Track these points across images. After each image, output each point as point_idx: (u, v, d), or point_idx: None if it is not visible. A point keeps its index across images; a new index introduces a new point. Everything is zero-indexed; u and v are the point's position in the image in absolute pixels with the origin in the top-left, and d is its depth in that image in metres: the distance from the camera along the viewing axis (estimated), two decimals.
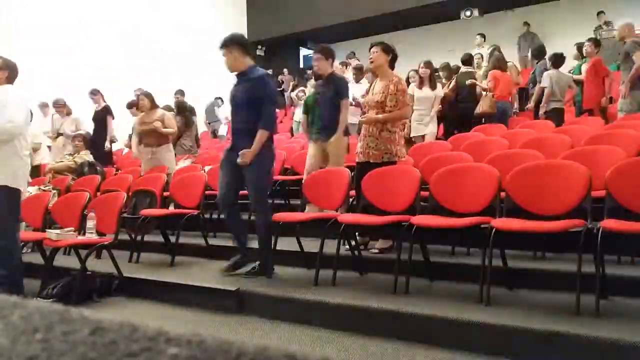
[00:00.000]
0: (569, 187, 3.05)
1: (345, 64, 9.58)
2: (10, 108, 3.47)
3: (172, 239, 4.65)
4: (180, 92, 9.20)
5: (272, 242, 3.83)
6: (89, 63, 10.39)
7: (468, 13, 11.94)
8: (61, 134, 7.97)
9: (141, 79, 11.39)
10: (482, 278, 2.90)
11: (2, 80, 3.60)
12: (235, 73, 3.75)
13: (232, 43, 3.68)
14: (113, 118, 7.92)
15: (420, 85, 6.61)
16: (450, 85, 7.54)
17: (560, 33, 12.06)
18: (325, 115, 4.55)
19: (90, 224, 4.00)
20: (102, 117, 7.84)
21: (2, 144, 3.48)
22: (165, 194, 5.29)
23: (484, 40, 10.35)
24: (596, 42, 7.02)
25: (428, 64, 6.65)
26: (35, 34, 9.63)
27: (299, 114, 8.45)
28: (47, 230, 3.98)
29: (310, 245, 3.95)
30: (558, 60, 7.03)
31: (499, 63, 7.47)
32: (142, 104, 6.13)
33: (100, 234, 4.29)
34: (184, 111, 7.15)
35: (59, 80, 9.30)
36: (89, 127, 8.00)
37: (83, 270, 3.80)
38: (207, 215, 5.26)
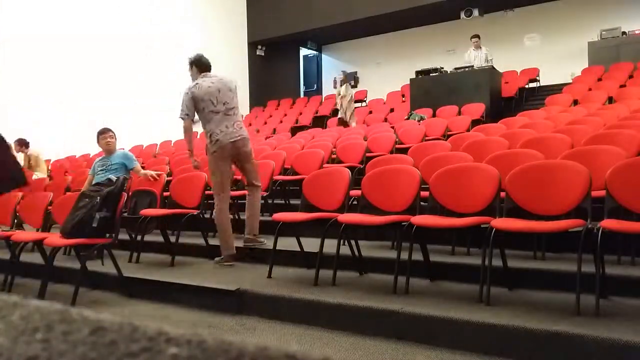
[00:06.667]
0: (569, 187, 3.06)
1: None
2: None
3: (172, 239, 4.65)
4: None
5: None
6: (87, 66, 10.39)
7: (468, 13, 11.95)
8: None
9: (141, 82, 11.41)
10: (482, 278, 2.90)
11: None
12: None
13: None
14: None
15: None
16: None
17: (560, 33, 12.08)
18: None
19: None
20: None
21: None
22: (165, 194, 5.29)
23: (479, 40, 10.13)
24: None
25: None
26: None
27: None
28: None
29: (310, 245, 3.95)
30: None
31: None
32: None
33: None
34: None
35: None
36: None
37: (83, 271, 3.80)
38: (207, 215, 5.26)
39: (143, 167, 7.26)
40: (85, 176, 6.44)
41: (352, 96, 10.09)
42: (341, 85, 10.05)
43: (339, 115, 9.93)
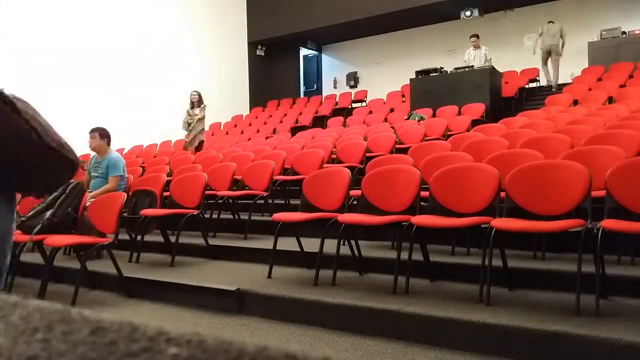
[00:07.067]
0: (569, 187, 3.06)
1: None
2: None
3: (172, 239, 4.65)
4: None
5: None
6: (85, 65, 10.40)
7: (468, 13, 11.95)
8: None
9: (141, 82, 11.42)
10: (482, 278, 2.91)
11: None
12: None
13: None
14: None
15: None
16: None
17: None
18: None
19: None
20: None
21: None
22: (165, 193, 5.29)
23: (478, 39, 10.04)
24: None
25: None
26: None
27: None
28: None
29: (311, 245, 3.95)
30: None
31: None
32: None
33: (100, 234, 4.30)
34: None
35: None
36: None
37: (83, 271, 3.80)
38: (207, 215, 5.26)
39: (142, 167, 7.27)
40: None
41: (204, 117, 8.71)
42: (198, 106, 8.64)
43: (187, 138, 8.64)
